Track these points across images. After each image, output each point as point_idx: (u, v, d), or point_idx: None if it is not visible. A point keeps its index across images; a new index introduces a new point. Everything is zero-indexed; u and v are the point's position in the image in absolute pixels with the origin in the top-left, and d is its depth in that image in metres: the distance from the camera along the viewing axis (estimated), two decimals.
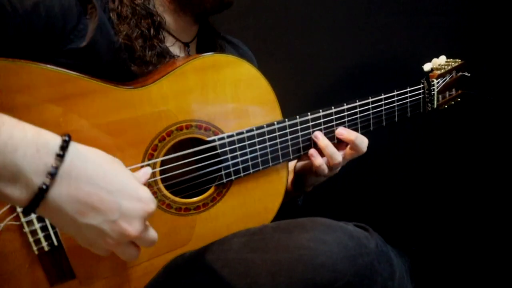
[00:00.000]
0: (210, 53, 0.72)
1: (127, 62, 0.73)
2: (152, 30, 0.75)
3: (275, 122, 0.77)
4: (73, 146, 0.47)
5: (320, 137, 0.81)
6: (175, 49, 0.83)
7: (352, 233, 0.66)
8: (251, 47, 1.06)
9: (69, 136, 0.47)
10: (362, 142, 0.83)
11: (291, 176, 0.94)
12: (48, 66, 0.59)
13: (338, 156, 0.81)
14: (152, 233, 0.56)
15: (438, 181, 1.49)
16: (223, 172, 0.74)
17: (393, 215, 1.46)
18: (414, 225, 1.48)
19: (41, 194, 0.45)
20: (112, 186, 0.50)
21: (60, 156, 0.45)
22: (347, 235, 0.65)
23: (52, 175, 0.45)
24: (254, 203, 0.80)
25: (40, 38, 0.65)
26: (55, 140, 0.46)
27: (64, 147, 0.46)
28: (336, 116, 0.82)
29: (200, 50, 0.89)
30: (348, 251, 0.63)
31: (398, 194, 1.48)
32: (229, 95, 0.73)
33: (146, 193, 0.53)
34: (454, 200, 1.48)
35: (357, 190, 1.46)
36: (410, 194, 1.49)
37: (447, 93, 1.02)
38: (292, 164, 0.94)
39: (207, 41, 0.91)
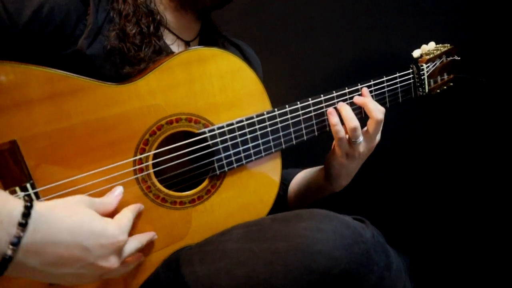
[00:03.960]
0: (195, 47, 0.73)
1: (118, 65, 0.74)
2: (151, 28, 0.77)
3: (265, 112, 0.77)
4: (35, 211, 0.48)
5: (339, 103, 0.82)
6: (176, 47, 0.84)
7: (349, 222, 0.66)
8: (250, 45, 1.06)
9: (31, 201, 0.49)
10: (376, 106, 0.82)
11: (322, 173, 0.93)
12: (36, 66, 0.61)
13: (355, 119, 0.80)
14: (131, 246, 0.61)
15: (438, 183, 1.48)
16: (215, 164, 0.75)
17: (393, 217, 1.44)
18: (413, 227, 1.46)
19: (4, 264, 0.46)
20: (79, 237, 0.52)
21: (22, 226, 0.47)
22: (344, 224, 0.65)
23: (15, 245, 0.46)
24: (249, 194, 0.80)
25: (36, 45, 0.68)
26: (18, 208, 0.47)
27: (26, 214, 0.47)
28: (326, 103, 0.83)
29: None
30: (345, 239, 0.63)
31: (398, 195, 1.47)
32: (217, 87, 0.74)
33: (113, 228, 0.56)
34: (454, 201, 1.47)
35: (357, 190, 1.44)
36: (409, 195, 1.48)
37: (439, 78, 1.02)
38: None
39: (209, 41, 0.92)
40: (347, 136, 0.82)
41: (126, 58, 0.74)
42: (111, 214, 0.62)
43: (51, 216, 0.51)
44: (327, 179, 0.91)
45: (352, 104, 0.84)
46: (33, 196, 0.61)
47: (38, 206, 0.49)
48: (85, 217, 0.54)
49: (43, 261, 0.49)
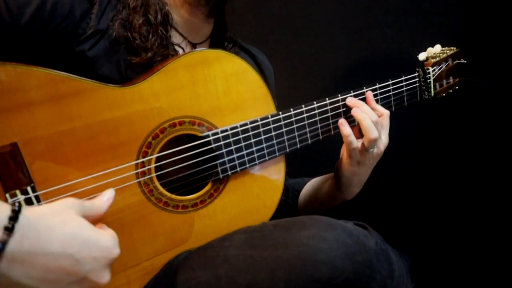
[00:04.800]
0: (199, 49, 0.72)
1: (122, 57, 0.72)
2: (159, 17, 0.74)
3: (269, 116, 0.76)
4: (24, 216, 0.45)
5: (358, 110, 0.80)
6: (181, 49, 0.81)
7: (352, 231, 0.65)
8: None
9: (19, 206, 0.45)
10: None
11: (333, 181, 0.92)
12: (37, 67, 0.60)
13: (375, 131, 0.78)
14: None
15: (440, 182, 1.47)
16: (219, 168, 0.74)
17: (394, 216, 1.44)
18: (415, 226, 1.46)
19: None
20: (70, 248, 0.47)
21: (8, 230, 0.43)
22: (347, 232, 0.64)
23: None
24: (252, 199, 0.79)
25: (37, 43, 0.67)
26: (5, 212, 0.44)
27: (13, 217, 0.44)
28: (331, 106, 0.82)
29: None
30: (347, 248, 0.62)
31: (399, 194, 1.46)
32: (221, 90, 0.73)
33: (107, 241, 0.52)
34: (456, 200, 1.46)
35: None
36: (411, 194, 1.47)
37: (445, 81, 1.01)
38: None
39: (220, 46, 0.89)
40: (359, 146, 0.81)
41: (132, 47, 0.72)
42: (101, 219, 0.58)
43: (41, 223, 0.46)
44: (338, 187, 0.89)
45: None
46: (33, 199, 0.60)
47: (27, 211, 0.45)
48: (77, 227, 0.50)
49: (29, 274, 0.45)
